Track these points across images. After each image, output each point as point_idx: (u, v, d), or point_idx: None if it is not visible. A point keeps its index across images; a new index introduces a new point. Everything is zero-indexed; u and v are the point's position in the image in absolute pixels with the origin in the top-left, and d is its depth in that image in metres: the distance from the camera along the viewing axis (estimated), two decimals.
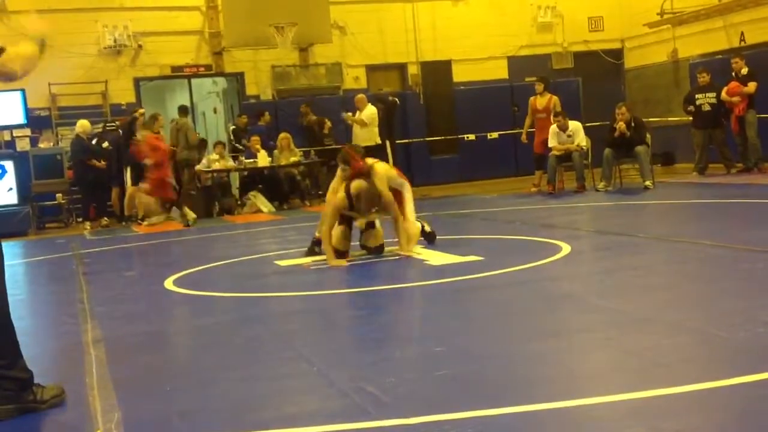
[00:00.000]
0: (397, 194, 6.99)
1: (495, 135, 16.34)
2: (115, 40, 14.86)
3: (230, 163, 14.04)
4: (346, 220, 6.91)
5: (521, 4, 17.19)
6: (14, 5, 14.36)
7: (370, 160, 7.07)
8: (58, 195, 13.59)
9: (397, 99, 14.78)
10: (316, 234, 7.24)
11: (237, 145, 14.63)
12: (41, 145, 14.02)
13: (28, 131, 14.32)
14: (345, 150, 7.12)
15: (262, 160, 13.77)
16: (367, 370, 3.55)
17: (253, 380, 3.61)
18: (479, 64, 16.87)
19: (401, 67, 16.85)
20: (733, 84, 12.71)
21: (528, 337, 4.11)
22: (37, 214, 13.37)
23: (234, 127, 15.30)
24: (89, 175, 13.01)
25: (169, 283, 6.45)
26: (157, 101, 17.00)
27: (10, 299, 3.41)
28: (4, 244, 3.52)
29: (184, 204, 12.27)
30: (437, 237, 7.42)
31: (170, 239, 10.72)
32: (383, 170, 7.00)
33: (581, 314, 4.60)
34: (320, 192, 14.60)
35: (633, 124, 12.05)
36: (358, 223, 6.97)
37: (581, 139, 12.17)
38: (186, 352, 4.55)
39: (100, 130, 13.77)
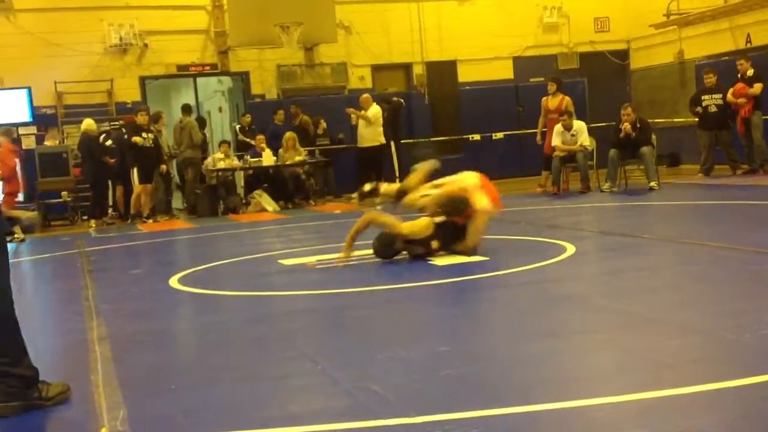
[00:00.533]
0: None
1: (500, 135, 16.33)
2: (120, 39, 14.88)
3: (235, 162, 14.06)
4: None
5: (527, 4, 17.17)
6: (20, 4, 14.40)
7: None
8: (64, 193, 13.62)
9: (402, 100, 14.79)
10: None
11: (245, 139, 14.66)
12: (47, 143, 14.05)
13: (33, 129, 14.36)
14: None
15: (267, 159, 13.79)
16: (372, 370, 3.55)
17: (258, 379, 3.61)
18: (485, 64, 16.86)
19: (406, 67, 16.85)
20: (739, 85, 12.68)
21: (533, 338, 4.10)
22: (42, 211, 13.40)
23: (239, 126, 15.33)
24: (101, 173, 13.07)
25: (174, 282, 6.46)
26: (163, 100, 17.02)
27: (15, 297, 3.42)
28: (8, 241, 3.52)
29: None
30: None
31: (175, 237, 10.73)
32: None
33: (586, 315, 4.60)
34: (326, 191, 14.70)
35: (638, 125, 12.03)
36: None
37: (585, 139, 12.16)
38: (191, 350, 4.56)
39: (107, 128, 13.82)
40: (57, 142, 14.13)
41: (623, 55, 17.86)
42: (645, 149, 11.90)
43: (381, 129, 14.05)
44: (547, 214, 10.21)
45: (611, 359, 3.60)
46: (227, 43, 15.52)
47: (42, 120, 14.33)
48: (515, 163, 15.88)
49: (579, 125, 12.24)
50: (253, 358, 4.06)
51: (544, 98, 13.25)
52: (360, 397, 3.21)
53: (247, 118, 15.14)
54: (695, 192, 11.47)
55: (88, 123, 13.29)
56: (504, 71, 17.09)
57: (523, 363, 3.61)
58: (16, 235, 10.88)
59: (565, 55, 17.45)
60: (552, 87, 13.19)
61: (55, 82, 14.36)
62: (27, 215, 12.06)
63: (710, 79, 13.16)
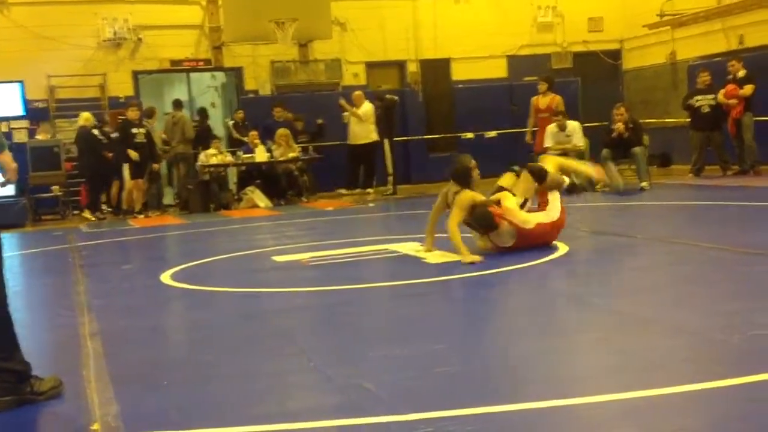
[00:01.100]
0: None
1: (493, 134, 16.33)
2: (114, 33, 14.82)
3: (228, 158, 14.04)
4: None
5: (522, 3, 17.18)
6: None
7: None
8: (55, 187, 13.58)
9: (396, 97, 14.79)
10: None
11: (238, 134, 14.64)
12: (38, 137, 13.99)
13: (25, 123, 14.28)
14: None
15: (260, 155, 13.77)
16: (366, 367, 3.56)
17: (251, 376, 3.62)
18: (479, 62, 16.86)
19: (401, 65, 16.84)
20: (731, 87, 12.74)
21: (526, 336, 4.12)
22: (33, 206, 13.36)
23: (232, 122, 15.31)
24: (97, 167, 13.03)
25: (166, 277, 6.45)
26: (156, 95, 16.96)
27: (6, 291, 3.42)
28: (2, 235, 3.52)
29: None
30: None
31: (167, 233, 10.72)
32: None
33: (578, 314, 4.62)
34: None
35: (631, 125, 12.07)
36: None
37: (579, 140, 12.18)
38: (183, 346, 4.56)
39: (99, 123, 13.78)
40: (49, 136, 14.07)
41: (616, 55, 17.89)
42: (637, 149, 11.94)
43: (373, 126, 14.07)
44: None
45: (603, 358, 3.62)
46: (221, 38, 15.47)
47: (34, 114, 14.26)
48: (508, 161, 15.86)
49: (573, 126, 12.27)
50: (245, 354, 4.06)
51: (534, 97, 13.28)
52: (353, 394, 3.22)
53: (240, 114, 15.12)
54: (686, 192, 11.51)
55: (85, 117, 13.26)
56: (498, 70, 17.10)
57: (516, 361, 3.63)
58: None
59: (559, 54, 17.47)
60: (543, 86, 13.22)
61: (48, 76, 14.30)
62: None
63: (705, 79, 13.20)
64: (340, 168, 14.45)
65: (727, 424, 2.72)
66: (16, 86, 13.85)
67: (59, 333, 4.92)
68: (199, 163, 13.88)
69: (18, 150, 13.38)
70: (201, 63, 15.82)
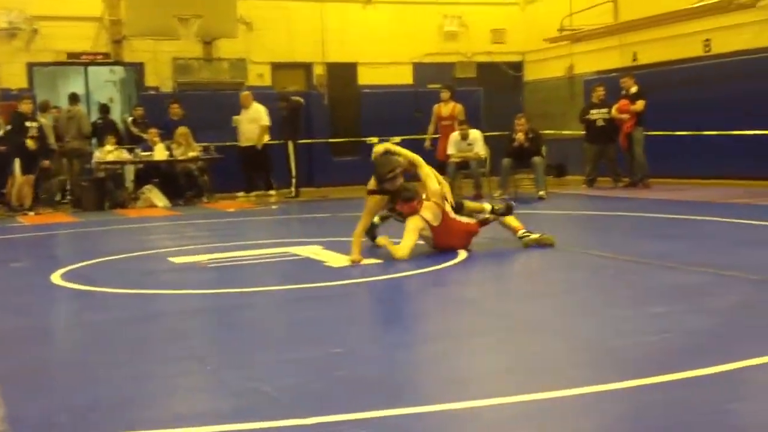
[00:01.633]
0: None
1: (398, 139, 16.41)
2: (9, 23, 14.23)
3: (125, 155, 13.66)
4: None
5: (428, 12, 17.41)
6: None
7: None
8: None
9: (301, 99, 14.73)
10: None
11: (135, 131, 14.27)
12: None
13: None
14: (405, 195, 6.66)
15: (160, 153, 13.46)
16: (263, 371, 3.53)
17: (144, 378, 3.53)
18: (385, 68, 16.99)
19: (307, 67, 16.80)
20: (623, 102, 13.28)
21: (423, 340, 4.18)
22: None
23: (131, 118, 14.92)
24: None
25: (56, 277, 6.22)
26: (51, 88, 16.38)
27: None
28: None
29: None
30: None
31: (59, 231, 10.35)
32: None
33: (475, 318, 4.72)
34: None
35: (531, 136, 12.42)
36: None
37: (480, 148, 12.45)
38: (74, 348, 4.40)
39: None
40: None
41: (518, 66, 18.36)
42: (536, 159, 12.29)
43: (266, 129, 13.90)
44: None
45: (499, 362, 3.71)
46: (122, 32, 15.07)
47: None
48: None
49: (475, 135, 12.53)
50: (139, 357, 3.96)
51: (437, 105, 13.51)
52: (250, 397, 3.19)
53: (140, 111, 14.74)
54: (580, 202, 11.91)
55: None
56: (404, 76, 17.28)
57: (413, 365, 3.68)
58: None
59: (463, 63, 17.79)
60: (446, 94, 13.46)
61: None
62: None
63: (599, 93, 13.71)
64: (236, 170, 14.26)
65: (618, 426, 2.83)
66: None
67: None
68: (94, 159, 13.45)
69: None
70: (100, 57, 15.36)
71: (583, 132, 14.02)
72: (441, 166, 12.85)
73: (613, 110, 13.34)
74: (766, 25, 12.94)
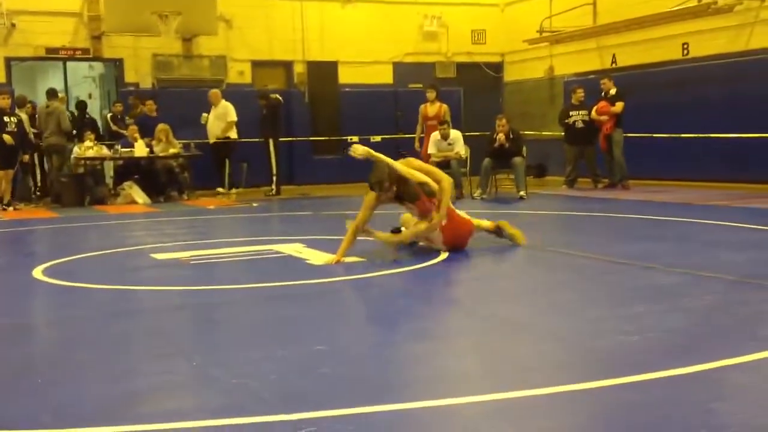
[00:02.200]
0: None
1: (378, 138, 16.51)
2: None
3: (104, 151, 13.58)
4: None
5: (408, 11, 17.47)
6: None
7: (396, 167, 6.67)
8: None
9: (280, 98, 14.72)
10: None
11: (116, 127, 14.19)
12: None
13: None
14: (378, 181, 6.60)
15: (140, 150, 13.40)
16: (248, 367, 3.55)
17: (130, 375, 3.54)
18: (365, 67, 17.03)
19: (287, 65, 16.80)
20: (602, 103, 13.40)
21: (406, 338, 4.21)
22: None
23: (110, 114, 14.84)
24: None
25: (38, 273, 6.20)
26: (29, 83, 16.26)
27: None
28: None
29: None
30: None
31: (38, 227, 10.27)
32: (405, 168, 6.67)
33: (456, 317, 4.76)
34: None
35: (511, 136, 12.50)
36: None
37: (460, 148, 12.51)
38: (57, 344, 4.39)
39: None
40: None
41: (498, 67, 18.46)
42: (517, 160, 12.38)
43: (232, 124, 13.86)
44: None
45: (478, 361, 3.75)
46: (101, 27, 14.98)
47: None
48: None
49: (455, 135, 12.58)
50: (124, 353, 3.97)
51: (423, 105, 13.54)
52: (236, 394, 3.21)
53: (119, 107, 14.67)
54: (559, 203, 12.01)
55: None
56: (384, 76, 17.33)
57: (397, 363, 3.71)
58: None
59: (443, 63, 17.86)
60: (431, 94, 13.50)
61: None
62: None
63: (579, 95, 13.83)
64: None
65: (598, 425, 2.88)
66: None
67: None
68: (74, 155, 13.37)
69: None
70: (79, 52, 15.26)
71: (563, 133, 14.14)
72: None
73: (593, 112, 13.46)
74: (743, 29, 13.13)
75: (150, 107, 14.35)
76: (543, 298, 5.17)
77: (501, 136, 12.44)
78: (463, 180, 12.67)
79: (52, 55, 15.06)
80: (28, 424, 2.96)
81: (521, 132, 13.36)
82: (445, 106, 13.33)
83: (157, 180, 13.69)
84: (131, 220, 10.84)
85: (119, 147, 13.55)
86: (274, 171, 14.20)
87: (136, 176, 13.53)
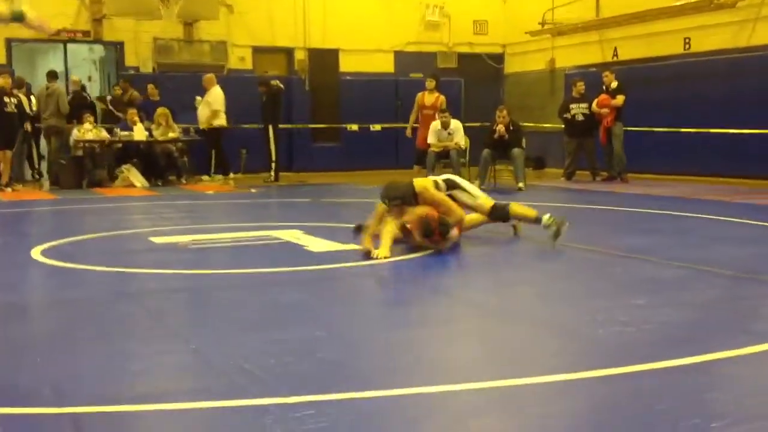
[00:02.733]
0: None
1: (378, 127, 16.52)
2: None
3: (104, 134, 13.56)
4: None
5: (410, 1, 17.42)
6: None
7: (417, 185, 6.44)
8: None
9: (281, 85, 14.68)
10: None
11: (114, 111, 14.18)
12: None
13: None
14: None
15: (139, 133, 13.38)
16: (247, 351, 3.56)
17: (128, 356, 3.55)
18: (367, 55, 16.99)
19: (288, 52, 16.75)
20: (603, 96, 13.40)
21: (403, 325, 4.23)
22: None
23: (110, 97, 14.81)
24: None
25: (36, 254, 6.20)
26: (29, 65, 16.19)
27: None
28: None
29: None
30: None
31: (37, 208, 10.28)
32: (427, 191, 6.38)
33: (454, 306, 4.78)
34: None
35: (511, 128, 12.50)
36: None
37: (460, 138, 12.50)
38: (56, 324, 4.39)
39: None
40: None
41: (499, 58, 18.43)
42: (516, 151, 12.38)
43: (220, 110, 13.81)
44: None
45: (473, 349, 3.77)
46: (102, 10, 14.93)
47: None
48: (391, 155, 16.10)
49: (456, 124, 12.57)
50: (123, 334, 3.98)
51: (420, 93, 13.51)
52: (234, 376, 3.22)
53: (119, 91, 14.63)
54: (558, 195, 12.01)
55: None
56: (385, 64, 17.29)
57: (394, 349, 3.73)
58: None
59: (444, 53, 17.83)
60: (431, 83, 13.47)
61: None
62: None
63: (579, 88, 13.82)
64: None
65: (594, 414, 2.90)
66: None
67: None
68: (73, 137, 13.35)
69: None
70: (79, 34, 15.21)
71: (563, 126, 14.13)
72: (419, 156, 12.96)
73: (594, 105, 13.45)
74: (745, 25, 13.12)
75: (152, 91, 14.32)
76: (541, 288, 5.19)
77: (501, 128, 12.43)
78: (463, 170, 12.66)
79: (52, 36, 14.99)
80: (27, 402, 2.98)
81: (521, 124, 13.35)
82: (442, 96, 13.31)
83: (155, 164, 13.67)
84: (130, 203, 10.84)
85: (118, 130, 13.53)
86: (273, 157, 14.18)
87: (134, 160, 13.51)
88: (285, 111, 15.26)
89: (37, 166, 14.38)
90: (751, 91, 12.53)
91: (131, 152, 13.64)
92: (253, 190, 12.66)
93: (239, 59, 16.17)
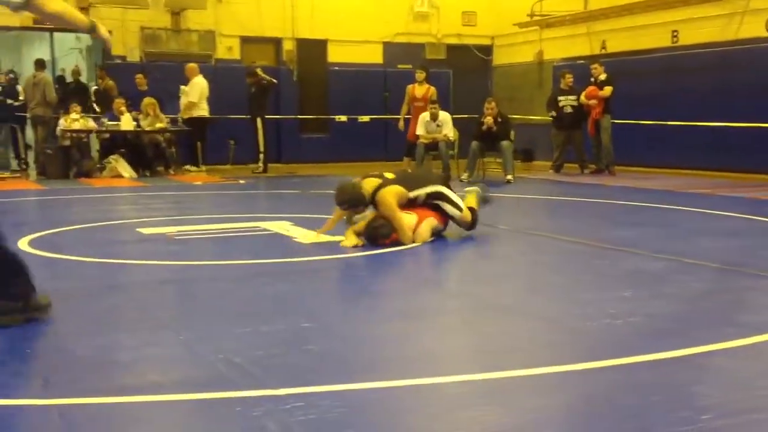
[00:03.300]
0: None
1: (366, 119, 16.50)
2: None
3: (91, 124, 13.48)
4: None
5: None
6: None
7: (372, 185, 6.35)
8: None
9: (274, 80, 14.60)
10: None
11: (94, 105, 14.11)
12: None
13: None
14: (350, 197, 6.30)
15: (126, 123, 13.31)
16: (235, 343, 3.56)
17: (116, 347, 3.54)
18: (355, 46, 16.95)
19: (276, 42, 16.68)
20: (591, 88, 13.43)
21: (392, 317, 4.23)
22: None
23: (96, 87, 14.72)
24: None
25: (24, 244, 6.17)
26: (13, 53, 16.08)
27: None
28: None
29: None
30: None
31: (23, 198, 10.21)
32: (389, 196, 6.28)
33: (442, 298, 4.79)
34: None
35: (500, 120, 12.51)
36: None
37: (449, 130, 12.50)
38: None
39: None
40: None
41: (487, 50, 18.42)
42: (504, 143, 12.39)
43: (195, 102, 13.74)
44: None
45: (464, 341, 3.78)
46: None
47: None
48: (380, 147, 16.12)
49: (444, 116, 12.57)
50: (108, 326, 3.97)
51: (410, 86, 13.49)
52: (222, 368, 3.22)
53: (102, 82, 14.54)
54: (547, 187, 12.04)
55: None
56: (374, 55, 17.26)
57: (383, 340, 3.73)
58: None
59: (433, 45, 17.80)
60: (421, 75, 13.44)
61: None
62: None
63: (568, 80, 13.84)
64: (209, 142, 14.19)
65: (579, 406, 2.90)
66: None
67: None
68: (60, 127, 13.27)
69: None
70: None
71: (551, 118, 14.16)
72: (409, 148, 12.95)
73: (582, 96, 13.48)
74: (733, 18, 13.16)
75: (140, 81, 14.24)
76: (529, 281, 5.21)
77: (489, 120, 12.44)
78: (451, 162, 12.68)
79: (38, 25, 14.87)
80: (15, 393, 2.97)
81: (509, 116, 13.36)
82: (433, 88, 13.29)
83: (143, 154, 13.61)
84: (117, 193, 10.80)
85: (106, 120, 13.45)
86: (262, 149, 14.15)
87: (122, 150, 13.45)
88: (273, 102, 15.22)
89: (23, 156, 14.29)
90: (738, 85, 12.58)
91: (118, 142, 13.57)
92: (241, 181, 12.63)
93: (227, 49, 16.11)
